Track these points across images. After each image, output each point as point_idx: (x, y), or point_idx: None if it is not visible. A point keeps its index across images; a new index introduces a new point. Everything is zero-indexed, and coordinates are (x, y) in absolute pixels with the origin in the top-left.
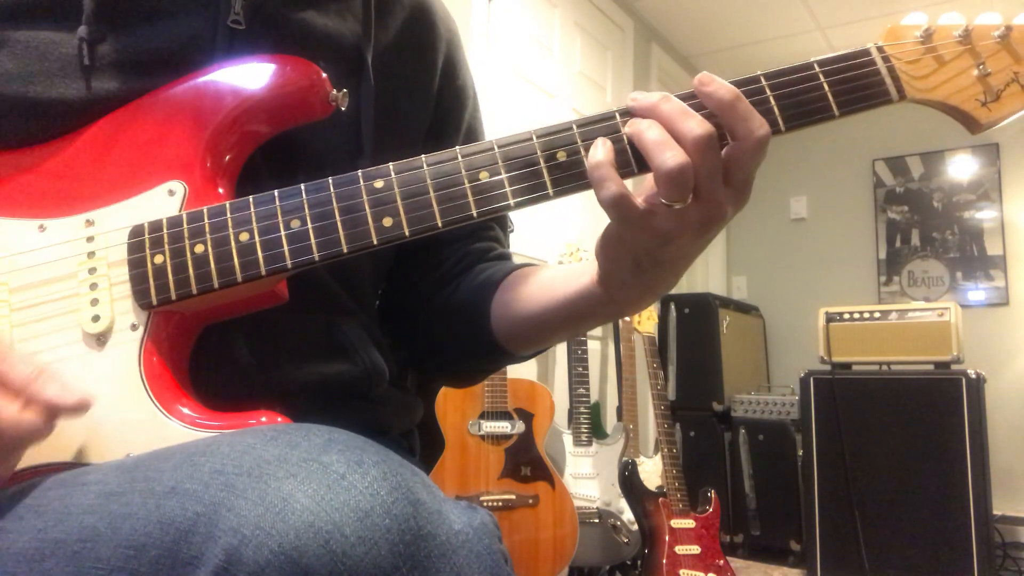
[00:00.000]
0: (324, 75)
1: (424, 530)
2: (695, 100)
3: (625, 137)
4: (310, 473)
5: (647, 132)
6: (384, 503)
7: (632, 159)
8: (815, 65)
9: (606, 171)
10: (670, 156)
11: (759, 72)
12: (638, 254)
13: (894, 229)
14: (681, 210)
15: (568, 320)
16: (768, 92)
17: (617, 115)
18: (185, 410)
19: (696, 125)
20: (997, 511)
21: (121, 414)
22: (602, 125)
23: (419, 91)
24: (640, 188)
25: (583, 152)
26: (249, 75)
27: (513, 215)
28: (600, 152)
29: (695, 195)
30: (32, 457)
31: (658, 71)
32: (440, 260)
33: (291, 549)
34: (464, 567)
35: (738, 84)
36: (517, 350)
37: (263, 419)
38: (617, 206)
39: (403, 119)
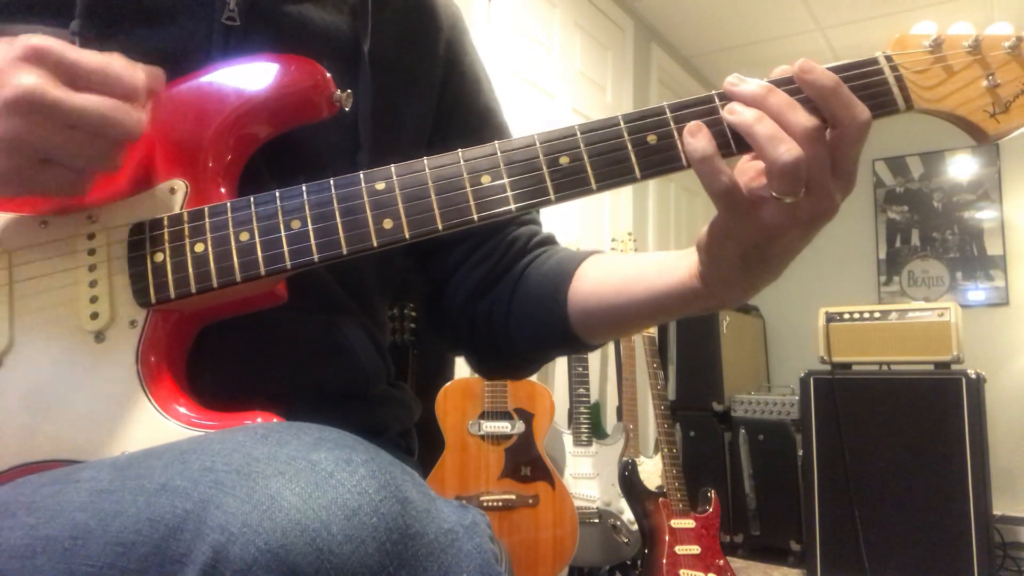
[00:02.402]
0: (328, 75)
1: (412, 529)
2: (792, 87)
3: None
4: (298, 471)
5: (758, 125)
6: (372, 501)
7: (732, 141)
8: None
9: (715, 163)
10: (785, 150)
11: (766, 79)
12: (747, 250)
13: (894, 229)
14: (792, 204)
15: (658, 312)
16: None
17: (621, 120)
18: (181, 409)
19: (804, 117)
20: (997, 511)
21: (117, 411)
22: (605, 131)
23: (419, 84)
24: (743, 179)
25: (586, 157)
26: (253, 75)
27: None
28: (702, 142)
29: (807, 188)
30: (27, 454)
31: (658, 71)
32: (487, 253)
33: (278, 547)
34: (453, 566)
35: None
36: (593, 340)
37: (258, 419)
38: (729, 197)
39: (401, 114)
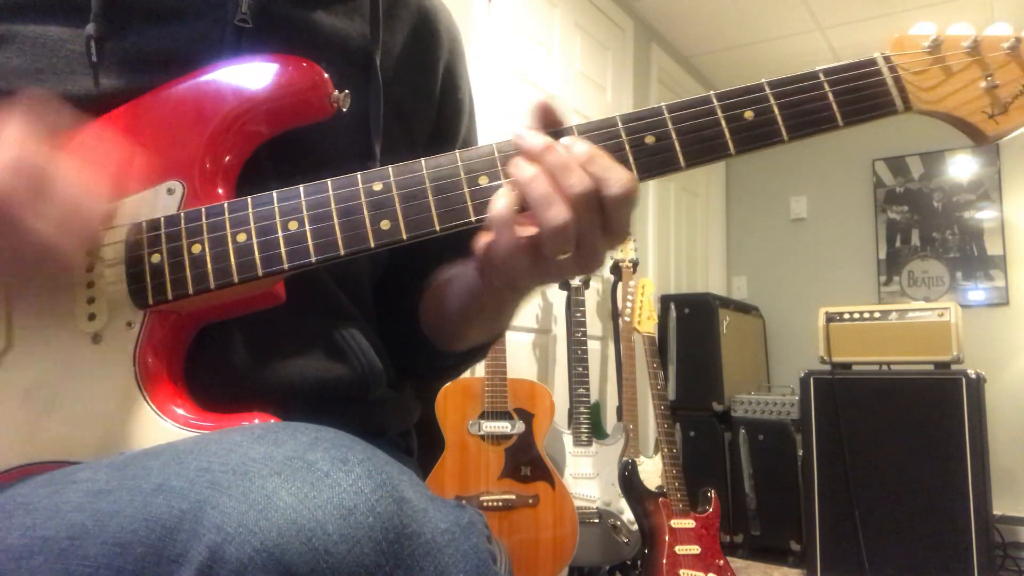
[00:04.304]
0: (326, 76)
1: (409, 528)
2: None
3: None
4: (294, 471)
5: (531, 185)
6: (368, 501)
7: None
8: (820, 74)
9: (508, 221)
10: (554, 214)
11: (763, 80)
12: (518, 285)
13: (894, 229)
14: (561, 260)
15: (463, 316)
16: (772, 100)
17: (618, 121)
18: (178, 410)
19: (577, 180)
20: (997, 511)
21: (114, 412)
22: (601, 132)
23: (423, 97)
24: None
25: None
26: (251, 75)
27: None
28: (503, 202)
29: (576, 246)
30: (25, 455)
31: (658, 71)
32: (417, 275)
33: (273, 547)
34: (449, 566)
35: (742, 92)
36: (447, 347)
37: (256, 420)
38: (512, 256)
39: (408, 123)
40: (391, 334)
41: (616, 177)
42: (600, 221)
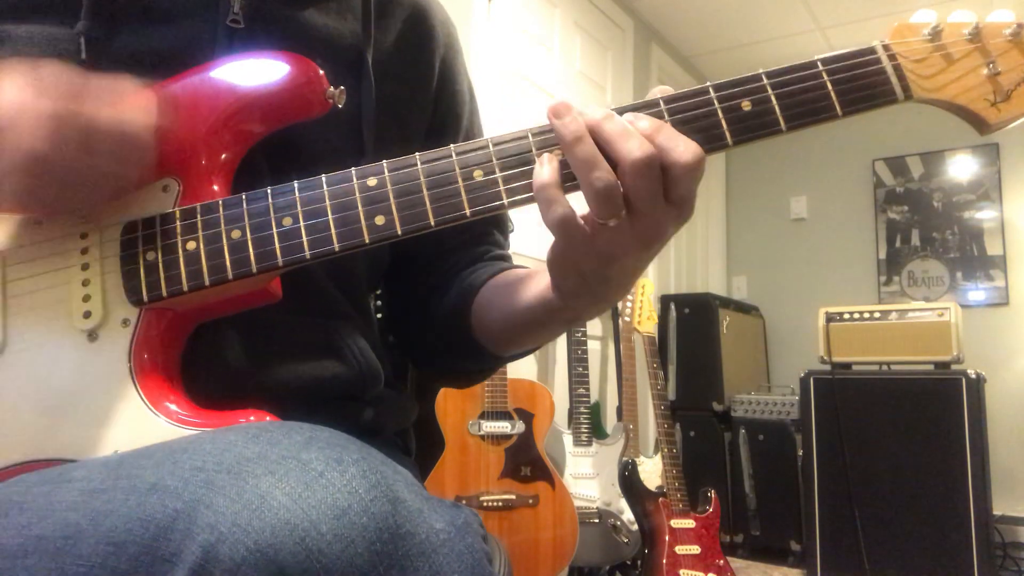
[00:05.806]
0: (321, 72)
1: (403, 528)
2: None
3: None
4: (288, 471)
5: (576, 147)
6: (362, 501)
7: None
8: (819, 63)
9: (552, 192)
10: (596, 176)
11: (761, 71)
12: (584, 271)
13: (894, 229)
14: (620, 228)
15: (530, 325)
16: (770, 91)
17: (613, 114)
18: (173, 407)
19: (635, 147)
20: (997, 511)
21: (109, 410)
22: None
23: (418, 93)
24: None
25: None
26: (246, 72)
27: (512, 213)
28: (546, 171)
29: (633, 213)
30: (20, 453)
31: (658, 71)
32: (437, 267)
33: (266, 547)
34: (444, 566)
35: (739, 83)
36: (500, 352)
37: (251, 418)
38: (563, 227)
39: (403, 121)
40: (426, 335)
41: (684, 144)
42: (661, 189)
